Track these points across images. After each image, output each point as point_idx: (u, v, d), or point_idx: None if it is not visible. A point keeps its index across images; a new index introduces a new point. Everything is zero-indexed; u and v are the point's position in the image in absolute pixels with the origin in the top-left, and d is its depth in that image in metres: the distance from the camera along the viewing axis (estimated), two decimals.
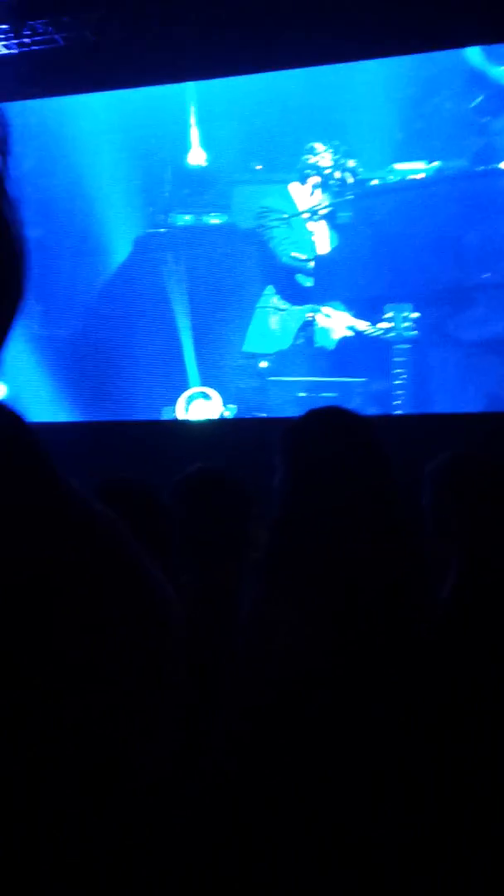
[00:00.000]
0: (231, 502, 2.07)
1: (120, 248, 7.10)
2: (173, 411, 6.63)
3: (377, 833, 1.28)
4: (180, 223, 6.97)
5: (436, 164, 6.09)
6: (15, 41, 7.74)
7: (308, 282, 6.43)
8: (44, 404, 7.14)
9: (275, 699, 1.34)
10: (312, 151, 6.44)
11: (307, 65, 6.69)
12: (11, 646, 0.56)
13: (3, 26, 7.72)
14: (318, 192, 6.44)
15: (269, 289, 6.53)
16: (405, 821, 1.29)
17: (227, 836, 1.30)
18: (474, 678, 1.44)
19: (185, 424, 6.51)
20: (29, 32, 7.74)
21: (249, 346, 6.50)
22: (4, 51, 7.97)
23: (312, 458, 1.49)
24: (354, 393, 6.13)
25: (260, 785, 1.31)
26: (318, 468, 1.47)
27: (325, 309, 6.36)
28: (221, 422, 6.47)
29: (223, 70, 7.00)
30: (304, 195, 6.48)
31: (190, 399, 6.59)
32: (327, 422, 1.57)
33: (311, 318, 6.41)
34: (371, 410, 5.94)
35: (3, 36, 7.82)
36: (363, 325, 6.25)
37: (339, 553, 1.40)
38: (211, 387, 6.59)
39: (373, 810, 1.28)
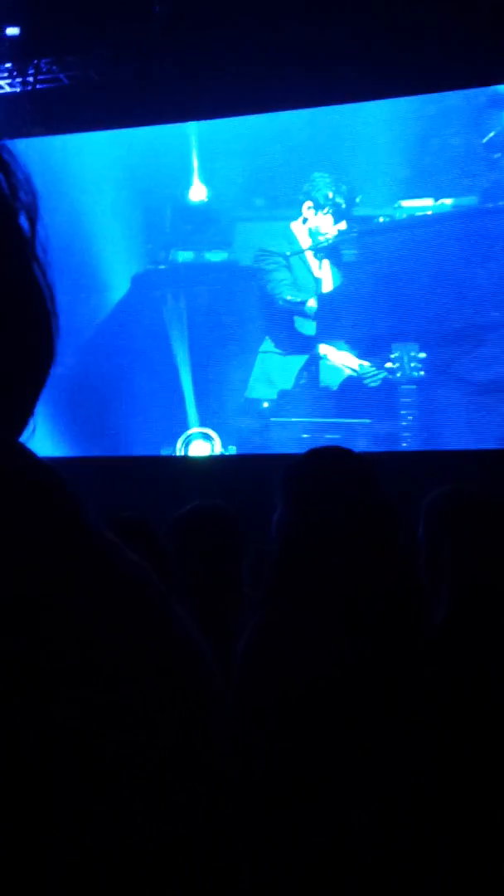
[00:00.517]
0: (226, 539, 2.13)
1: (119, 285, 7.05)
2: (173, 451, 6.50)
3: (377, 841, 1.33)
4: (181, 259, 6.91)
5: (444, 200, 6.01)
6: (19, 80, 7.77)
7: (308, 324, 6.32)
8: (41, 439, 7.07)
9: (275, 726, 1.38)
10: (315, 188, 6.37)
11: (312, 105, 6.69)
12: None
13: (8, 65, 7.76)
14: (321, 229, 6.35)
15: (271, 334, 6.43)
16: (403, 828, 1.34)
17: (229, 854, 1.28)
18: (467, 700, 1.49)
19: (184, 460, 6.41)
20: (33, 71, 7.78)
21: (252, 391, 6.38)
22: (9, 89, 8.01)
23: (312, 494, 1.52)
24: (359, 434, 5.99)
25: (262, 803, 1.35)
26: (318, 505, 1.50)
27: (329, 348, 6.24)
28: (220, 458, 6.37)
29: (227, 111, 7.02)
30: (306, 233, 6.39)
31: (189, 439, 6.46)
32: (327, 460, 1.60)
33: (314, 358, 6.29)
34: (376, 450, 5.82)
35: (7, 75, 7.86)
36: (368, 365, 6.12)
37: (338, 583, 1.43)
38: (211, 427, 6.46)
39: (374, 824, 1.33)
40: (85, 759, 0.58)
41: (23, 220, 0.73)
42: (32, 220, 0.73)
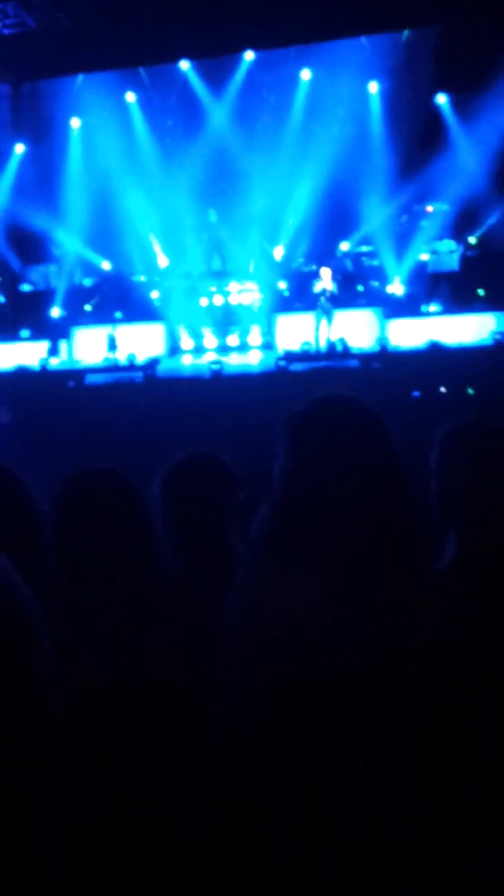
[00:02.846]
0: (216, 490, 2.13)
1: None
2: None
3: (371, 800, 1.32)
4: None
5: None
6: None
7: None
8: None
9: (268, 680, 1.37)
10: None
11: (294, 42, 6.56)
12: None
13: None
14: None
15: None
16: (399, 789, 1.34)
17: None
18: (470, 652, 1.48)
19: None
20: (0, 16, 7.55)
21: None
22: None
23: (314, 444, 1.49)
24: None
25: (260, 759, 1.36)
26: (320, 454, 1.48)
27: None
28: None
29: (204, 52, 6.86)
30: None
31: None
32: (332, 408, 1.56)
33: None
34: None
35: None
36: None
37: (339, 533, 1.41)
38: None
39: (369, 784, 1.33)
40: None
41: None
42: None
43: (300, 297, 12.91)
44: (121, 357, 12.21)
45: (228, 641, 1.44)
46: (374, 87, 13.05)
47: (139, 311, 13.65)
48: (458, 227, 12.99)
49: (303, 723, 1.34)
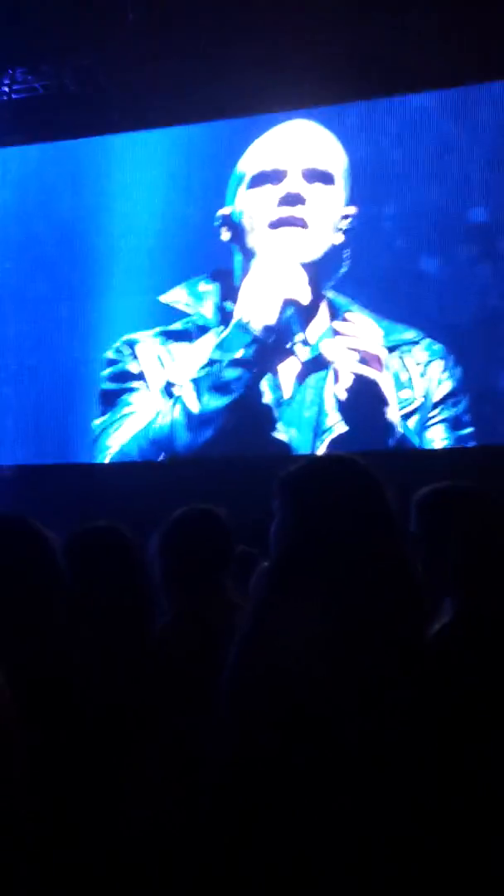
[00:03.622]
0: (214, 544, 2.14)
1: (103, 292, 7.05)
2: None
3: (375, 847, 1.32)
4: None
5: None
6: None
7: None
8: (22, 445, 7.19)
9: (270, 735, 1.37)
10: None
11: (299, 107, 6.73)
12: None
13: None
14: None
15: None
16: (402, 837, 1.33)
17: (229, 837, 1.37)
18: (468, 710, 1.48)
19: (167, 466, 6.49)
20: (8, 81, 7.77)
21: None
22: None
23: (315, 504, 1.49)
24: None
25: (257, 797, 1.36)
26: (321, 514, 1.47)
27: None
28: (209, 459, 6.43)
29: (204, 115, 7.02)
30: None
31: None
32: (332, 468, 1.58)
33: None
34: None
35: None
36: None
37: (338, 595, 1.41)
38: None
39: (373, 833, 1.33)
40: None
41: None
42: None
43: None
44: None
45: (225, 694, 1.44)
46: None
47: None
48: None
49: (295, 778, 1.33)
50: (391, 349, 6.35)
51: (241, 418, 6.56)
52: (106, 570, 1.78)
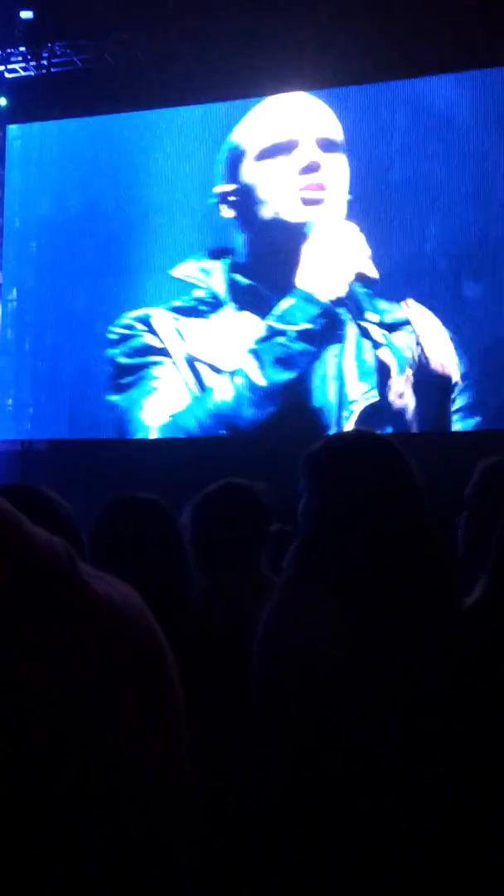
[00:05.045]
0: (250, 519, 2.12)
1: (138, 268, 7.04)
2: None
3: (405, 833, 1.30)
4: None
5: None
6: (33, 63, 7.76)
7: None
8: (61, 422, 7.22)
9: (296, 711, 1.36)
10: None
11: (326, 86, 6.67)
12: None
13: (22, 49, 7.75)
14: None
15: None
16: (431, 817, 1.32)
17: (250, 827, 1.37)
18: (495, 688, 1.43)
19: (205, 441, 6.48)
20: (47, 55, 7.77)
21: None
22: (24, 73, 8.00)
23: (339, 479, 1.48)
24: None
25: (288, 773, 1.35)
26: (345, 489, 1.47)
27: None
28: (241, 440, 6.41)
29: (242, 93, 6.98)
30: None
31: None
32: (355, 443, 1.58)
33: None
34: None
35: (21, 59, 7.85)
36: None
37: (363, 569, 1.40)
38: None
39: (402, 816, 1.31)
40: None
41: None
42: None
43: None
44: None
45: (256, 666, 1.44)
46: None
47: None
48: None
49: (323, 752, 1.33)
50: (392, 327, 6.27)
51: (306, 392, 6.40)
52: (144, 540, 1.79)
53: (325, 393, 6.39)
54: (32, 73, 7.92)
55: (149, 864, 0.81)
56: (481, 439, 5.82)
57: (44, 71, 7.79)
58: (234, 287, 6.71)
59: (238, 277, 6.69)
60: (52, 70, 7.74)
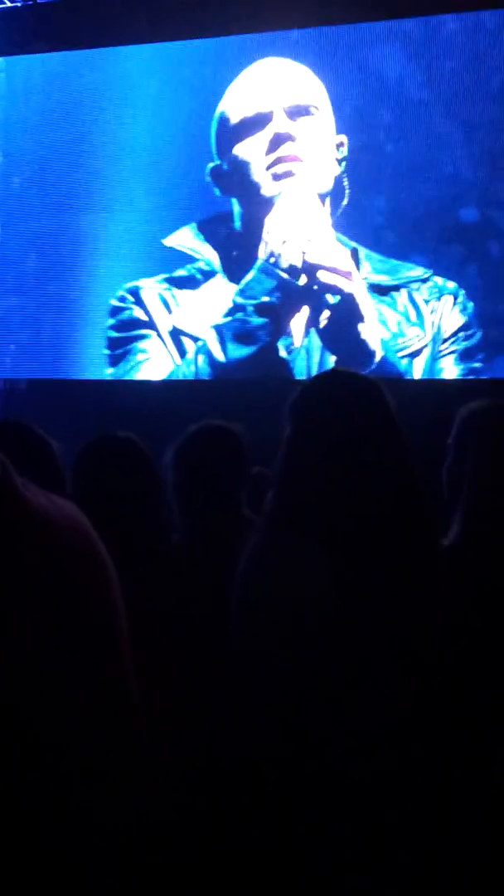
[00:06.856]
0: (229, 460, 2.16)
1: (121, 205, 6.93)
2: None
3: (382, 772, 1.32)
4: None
5: None
6: None
7: None
8: (43, 361, 7.18)
9: (276, 653, 1.37)
10: None
11: (318, 24, 6.50)
12: None
13: None
14: None
15: None
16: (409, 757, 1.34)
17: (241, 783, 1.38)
18: (474, 626, 1.48)
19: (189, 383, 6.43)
20: None
21: None
22: (10, 3, 7.75)
23: (316, 416, 1.50)
24: None
25: (265, 717, 1.37)
26: (322, 426, 1.48)
27: None
28: (230, 381, 6.37)
29: (239, 28, 6.80)
30: None
31: None
32: (334, 383, 1.60)
33: None
34: None
35: None
36: None
37: (340, 506, 1.42)
38: None
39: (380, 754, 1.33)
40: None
41: None
42: None
43: None
44: None
45: (237, 607, 1.45)
46: None
47: None
48: None
49: (306, 694, 1.35)
50: (398, 287, 6.19)
51: (266, 368, 6.33)
52: (122, 479, 1.79)
53: (289, 366, 6.34)
54: (19, 4, 7.68)
55: (81, 774, 0.82)
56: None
57: (30, 2, 7.56)
58: (227, 257, 6.63)
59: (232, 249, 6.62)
60: (39, 1, 7.51)
